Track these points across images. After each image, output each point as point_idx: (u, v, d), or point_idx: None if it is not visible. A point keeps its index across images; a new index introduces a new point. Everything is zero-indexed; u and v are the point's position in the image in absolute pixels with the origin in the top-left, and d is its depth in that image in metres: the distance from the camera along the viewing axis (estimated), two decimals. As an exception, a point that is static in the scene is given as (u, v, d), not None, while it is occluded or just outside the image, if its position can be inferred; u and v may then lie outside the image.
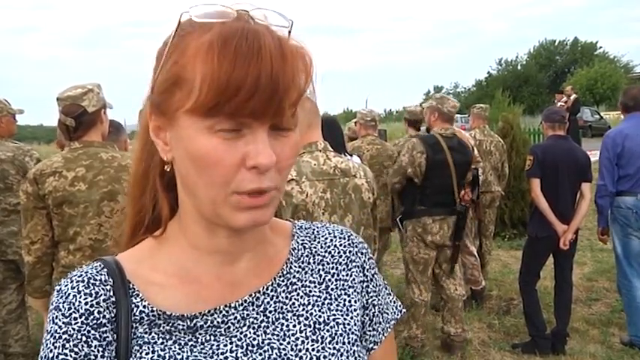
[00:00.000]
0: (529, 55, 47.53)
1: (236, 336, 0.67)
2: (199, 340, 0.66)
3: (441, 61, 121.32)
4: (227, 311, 0.67)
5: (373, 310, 0.78)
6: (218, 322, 0.67)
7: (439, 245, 3.79)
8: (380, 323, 0.79)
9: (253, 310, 0.68)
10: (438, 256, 3.88)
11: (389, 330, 0.80)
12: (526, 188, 5.53)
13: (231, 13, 0.60)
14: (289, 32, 0.62)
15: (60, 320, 0.63)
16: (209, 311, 0.66)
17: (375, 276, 0.80)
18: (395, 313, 0.82)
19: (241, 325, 0.67)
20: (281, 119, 0.60)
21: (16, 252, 3.43)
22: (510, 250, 6.51)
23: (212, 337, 0.66)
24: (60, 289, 0.66)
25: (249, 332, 0.67)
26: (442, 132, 3.80)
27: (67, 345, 0.62)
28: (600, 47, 45.32)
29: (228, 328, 0.67)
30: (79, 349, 0.62)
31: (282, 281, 0.72)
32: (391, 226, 4.72)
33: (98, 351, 0.62)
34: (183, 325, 0.65)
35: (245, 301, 0.68)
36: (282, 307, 0.70)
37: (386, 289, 0.82)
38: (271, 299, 0.70)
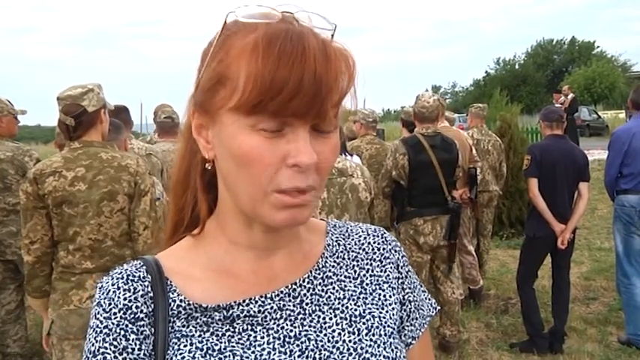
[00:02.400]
0: (527, 54, 47.46)
1: (273, 328, 0.68)
2: (237, 330, 0.67)
3: (439, 60, 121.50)
4: (263, 301, 0.68)
5: (410, 307, 0.79)
6: (254, 312, 0.67)
7: (433, 247, 3.76)
8: (417, 319, 0.80)
9: (290, 301, 0.69)
10: (435, 258, 3.86)
11: (425, 326, 0.81)
12: (524, 187, 5.54)
13: (277, 14, 0.61)
14: (332, 35, 0.63)
15: (101, 315, 0.66)
16: (244, 301, 0.67)
17: (410, 273, 0.81)
18: (430, 310, 0.83)
19: (278, 316, 0.68)
20: (323, 120, 0.61)
21: (15, 252, 3.44)
22: (508, 249, 6.51)
23: (249, 327, 0.67)
24: (102, 285, 0.69)
25: (286, 324, 0.68)
26: (424, 131, 3.78)
27: (107, 339, 0.65)
28: (598, 46, 45.30)
29: (265, 317, 0.68)
30: (117, 342, 0.65)
31: (318, 274, 0.73)
32: (390, 226, 4.73)
33: (135, 344, 0.65)
34: (220, 316, 0.67)
35: (281, 292, 0.69)
36: (318, 300, 0.71)
37: (421, 286, 0.83)
38: (308, 291, 0.71)
